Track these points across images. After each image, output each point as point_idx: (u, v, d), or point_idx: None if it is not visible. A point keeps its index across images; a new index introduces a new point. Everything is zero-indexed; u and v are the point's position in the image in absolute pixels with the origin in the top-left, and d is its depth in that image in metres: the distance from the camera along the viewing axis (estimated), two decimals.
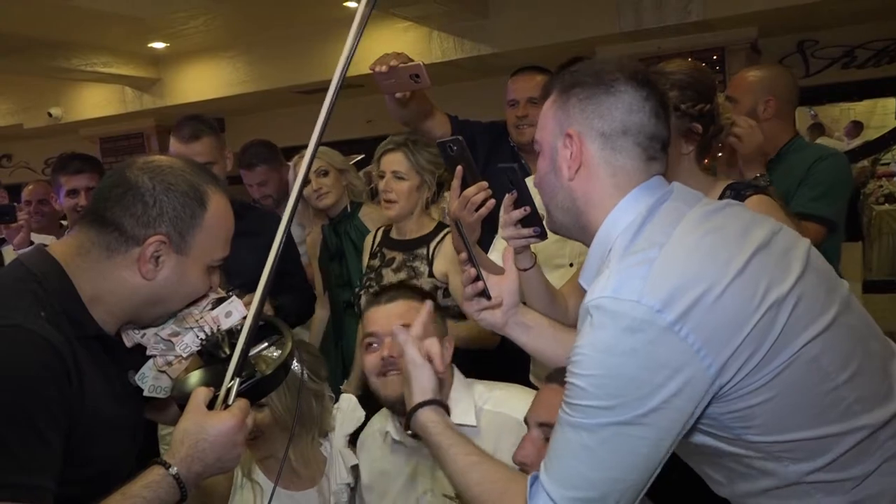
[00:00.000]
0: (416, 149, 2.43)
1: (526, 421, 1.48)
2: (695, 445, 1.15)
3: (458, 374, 1.82)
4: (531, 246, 1.66)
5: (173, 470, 1.16)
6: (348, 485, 1.93)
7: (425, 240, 2.46)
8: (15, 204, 3.09)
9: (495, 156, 2.72)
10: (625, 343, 1.03)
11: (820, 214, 2.42)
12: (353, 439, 1.99)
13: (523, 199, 1.57)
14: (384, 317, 1.76)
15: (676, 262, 1.07)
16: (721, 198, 1.75)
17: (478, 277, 1.47)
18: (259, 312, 1.25)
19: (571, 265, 2.22)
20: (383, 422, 1.86)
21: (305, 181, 1.32)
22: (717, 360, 1.04)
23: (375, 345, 1.77)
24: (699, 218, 1.15)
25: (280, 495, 1.84)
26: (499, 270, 1.52)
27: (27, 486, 1.05)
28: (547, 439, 1.30)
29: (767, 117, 2.56)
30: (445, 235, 2.43)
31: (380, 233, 2.62)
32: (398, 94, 2.29)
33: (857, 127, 8.55)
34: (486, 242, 2.10)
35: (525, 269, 1.70)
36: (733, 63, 4.98)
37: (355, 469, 1.94)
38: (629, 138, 1.21)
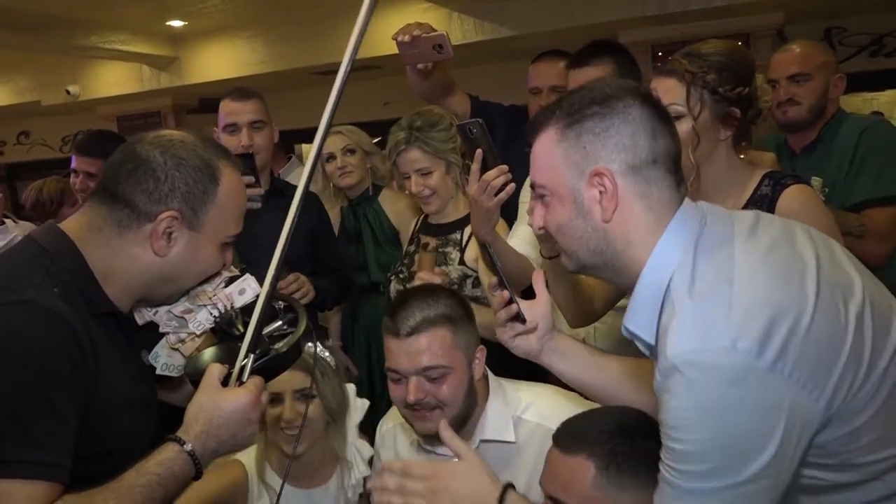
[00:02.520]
0: (426, 136, 2.29)
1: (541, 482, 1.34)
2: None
3: (492, 380, 1.70)
4: None
5: (188, 447, 1.16)
6: (366, 478, 1.90)
7: (460, 224, 2.39)
8: None
9: (514, 140, 2.68)
10: (731, 397, 0.96)
11: (890, 194, 2.29)
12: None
13: None
14: (405, 355, 1.58)
15: (756, 294, 0.99)
16: (759, 188, 1.69)
17: (511, 300, 1.39)
18: (273, 289, 1.23)
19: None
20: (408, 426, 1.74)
21: (317, 160, 1.28)
22: (825, 391, 0.98)
23: (401, 380, 1.61)
24: (746, 236, 1.08)
25: (296, 495, 1.80)
26: (519, 258, 1.48)
27: (44, 463, 1.05)
28: None
29: (836, 96, 2.50)
30: None
31: (420, 219, 2.55)
32: (420, 65, 2.25)
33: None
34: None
35: (550, 258, 1.66)
36: (758, 50, 4.87)
37: (370, 461, 1.91)
38: (659, 166, 1.12)
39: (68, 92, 6.66)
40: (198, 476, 1.19)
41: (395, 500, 1.23)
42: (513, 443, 1.61)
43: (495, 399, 1.66)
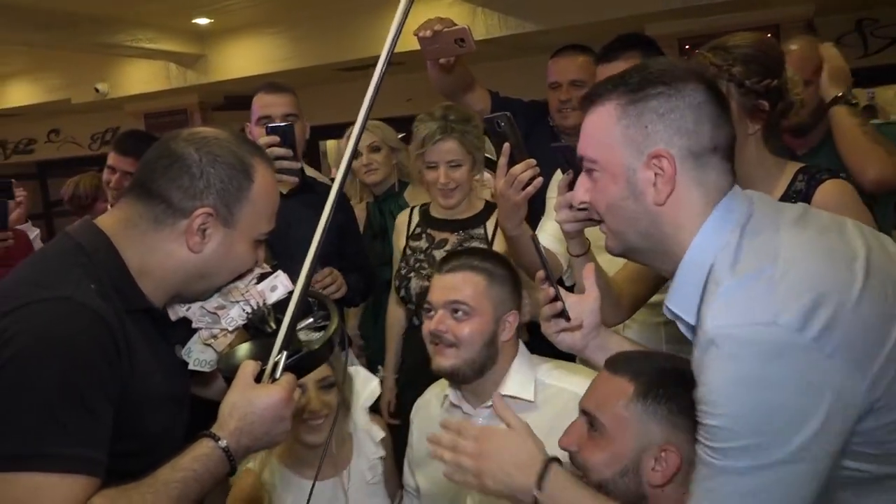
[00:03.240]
0: (463, 129, 2.34)
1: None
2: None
3: (522, 350, 1.77)
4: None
5: (223, 443, 1.16)
6: (381, 458, 1.92)
7: (479, 219, 2.38)
8: (12, 180, 3.11)
9: (534, 136, 2.66)
10: (768, 373, 0.94)
11: None
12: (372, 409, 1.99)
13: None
14: (439, 288, 1.72)
15: (800, 272, 0.98)
16: (793, 183, 1.65)
17: (556, 297, 1.39)
18: (307, 286, 1.23)
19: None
20: (443, 387, 1.83)
21: (353, 157, 1.29)
22: (867, 376, 0.95)
23: (431, 312, 1.73)
24: (794, 221, 1.07)
25: (318, 491, 1.81)
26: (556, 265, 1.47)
27: (80, 457, 1.06)
28: (590, 426, 1.24)
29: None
30: None
31: (415, 212, 2.52)
32: (442, 60, 2.24)
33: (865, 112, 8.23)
34: (532, 222, 2.04)
35: (577, 256, 1.64)
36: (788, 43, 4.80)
37: (383, 441, 1.93)
38: (719, 154, 1.10)
39: (97, 90, 6.76)
40: (231, 472, 1.20)
41: (446, 455, 1.25)
42: (531, 401, 1.66)
43: (521, 361, 1.74)
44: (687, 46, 5.05)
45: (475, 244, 2.35)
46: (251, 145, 1.31)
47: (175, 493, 1.10)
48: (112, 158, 2.88)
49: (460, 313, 1.68)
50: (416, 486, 1.87)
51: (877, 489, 1.07)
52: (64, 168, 7.96)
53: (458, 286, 1.69)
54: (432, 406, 1.88)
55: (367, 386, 1.96)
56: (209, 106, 7.20)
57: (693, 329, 1.10)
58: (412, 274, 2.42)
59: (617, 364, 1.26)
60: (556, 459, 1.21)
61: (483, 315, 1.68)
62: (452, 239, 2.39)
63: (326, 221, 1.23)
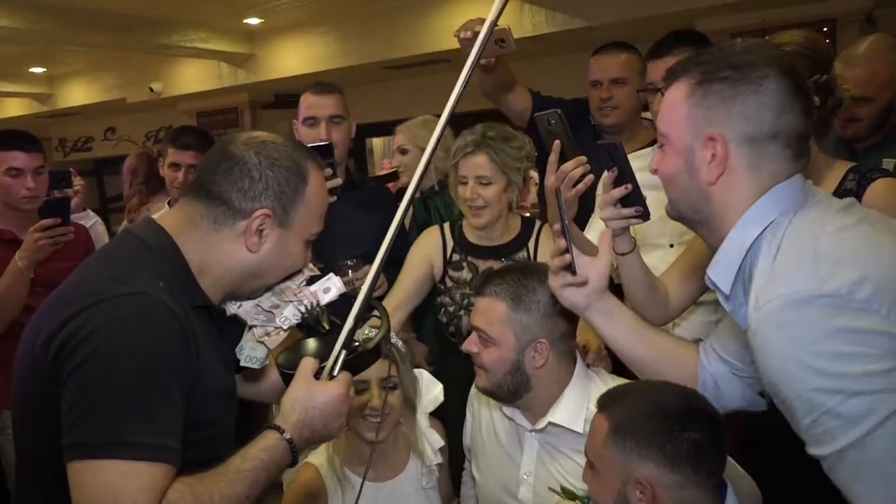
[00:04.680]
0: (498, 146, 2.17)
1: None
2: None
3: (580, 373, 1.71)
4: (631, 227, 1.58)
5: (287, 435, 1.23)
6: (438, 465, 1.91)
7: (521, 241, 2.26)
8: (70, 170, 3.15)
9: (576, 134, 2.63)
10: (820, 333, 0.98)
11: None
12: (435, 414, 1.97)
13: (624, 176, 1.50)
14: (475, 310, 1.71)
15: (843, 253, 1.02)
16: (843, 181, 1.63)
17: (567, 250, 1.42)
18: (373, 288, 1.30)
19: (672, 246, 2.10)
20: None
21: (429, 162, 1.36)
22: None
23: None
24: (842, 208, 1.12)
25: (370, 488, 1.80)
26: (592, 250, 1.47)
27: (161, 446, 1.10)
28: (590, 466, 1.32)
29: None
30: (542, 228, 2.27)
31: (449, 239, 2.33)
32: (483, 61, 2.23)
33: None
34: (582, 219, 2.03)
35: (624, 254, 1.63)
36: (845, 37, 4.64)
37: (441, 450, 1.92)
38: (779, 142, 1.13)
39: (151, 89, 6.94)
40: (293, 463, 1.26)
41: None
42: (580, 433, 1.61)
43: (575, 387, 1.68)
44: (739, 40, 4.93)
45: None
46: (305, 149, 1.35)
47: (247, 480, 1.17)
48: (174, 155, 2.86)
49: (484, 338, 1.67)
50: (471, 473, 1.88)
51: None
52: (120, 165, 8.15)
53: (481, 311, 1.68)
54: (486, 403, 1.87)
55: (430, 391, 1.95)
56: (259, 104, 7.32)
57: (727, 298, 1.18)
58: (462, 312, 2.26)
59: (602, 402, 1.34)
60: None
61: (502, 343, 1.65)
62: (496, 266, 2.24)
63: (396, 228, 1.33)
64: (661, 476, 1.20)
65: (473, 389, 1.92)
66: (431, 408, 1.95)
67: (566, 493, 1.58)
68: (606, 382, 1.69)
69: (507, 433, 1.78)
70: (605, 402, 1.34)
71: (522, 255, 2.25)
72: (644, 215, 1.51)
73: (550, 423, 1.66)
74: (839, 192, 1.62)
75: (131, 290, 1.15)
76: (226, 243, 1.26)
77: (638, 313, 1.77)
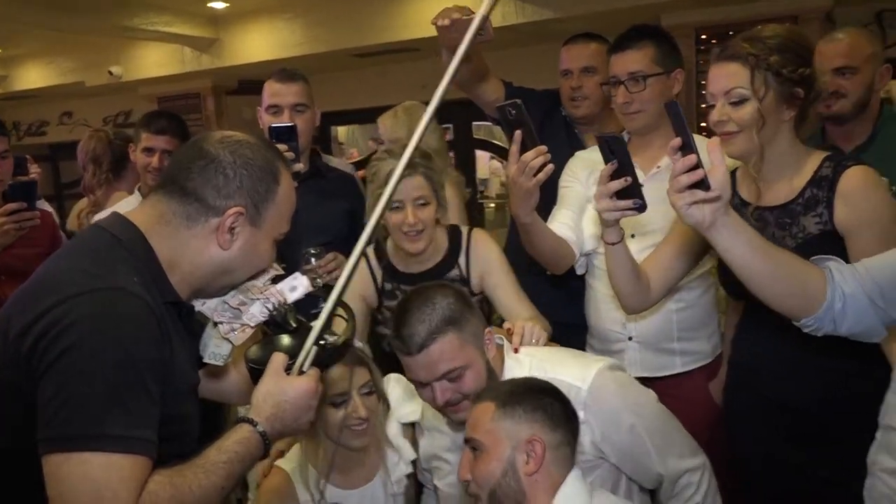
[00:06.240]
0: (426, 165, 2.11)
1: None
2: None
3: (505, 346, 1.78)
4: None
5: (260, 428, 1.26)
6: (407, 476, 1.90)
7: (451, 260, 2.20)
8: (26, 157, 3.08)
9: (548, 126, 2.65)
10: None
11: None
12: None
13: (624, 169, 1.53)
14: (422, 369, 1.62)
15: None
16: (819, 169, 1.70)
17: (698, 165, 1.32)
18: (344, 291, 1.35)
19: (633, 236, 2.14)
20: None
21: (414, 152, 1.43)
22: None
23: (426, 386, 1.65)
24: None
25: (340, 495, 1.81)
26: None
27: (141, 438, 1.11)
28: (473, 450, 1.47)
29: (880, 88, 2.44)
30: (470, 235, 2.21)
31: (377, 269, 2.24)
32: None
33: None
34: (543, 209, 2.04)
35: (613, 244, 1.68)
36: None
37: (414, 462, 1.91)
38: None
39: (111, 73, 6.77)
40: (265, 455, 1.29)
41: None
42: None
43: (510, 361, 1.75)
44: (703, 36, 5.01)
45: None
46: (276, 150, 1.38)
47: (223, 472, 1.19)
48: (148, 140, 2.79)
49: (455, 376, 1.60)
50: (433, 483, 1.89)
51: None
52: (76, 150, 7.98)
53: (437, 359, 1.59)
54: (437, 419, 1.85)
55: (405, 403, 1.92)
56: (222, 90, 7.19)
57: None
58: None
59: (481, 395, 1.54)
60: None
61: (473, 361, 1.63)
62: None
63: (373, 227, 1.39)
64: (545, 435, 1.43)
65: (424, 412, 1.89)
66: (406, 420, 1.93)
67: None
68: (532, 353, 1.78)
69: (461, 434, 1.79)
70: (481, 393, 1.55)
71: (455, 273, 2.19)
72: (641, 207, 1.55)
73: None
74: (816, 179, 1.69)
75: (109, 285, 1.15)
76: (197, 240, 1.27)
77: (620, 300, 1.81)
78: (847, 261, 1.52)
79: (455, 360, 1.60)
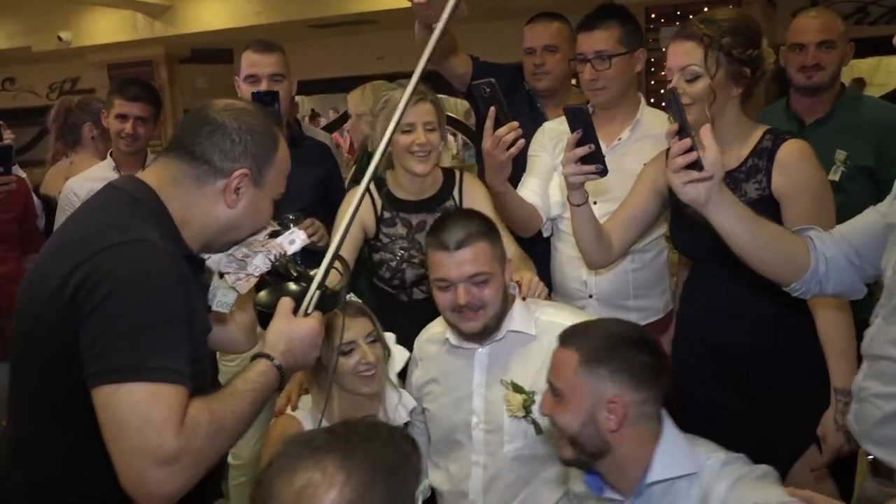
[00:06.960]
0: (434, 97, 2.31)
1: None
2: None
3: (517, 294, 1.97)
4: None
5: (276, 361, 1.40)
6: (405, 424, 2.02)
7: (446, 192, 2.39)
8: (1, 122, 3.10)
9: (511, 99, 2.78)
10: None
11: None
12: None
13: (588, 137, 1.71)
14: (455, 266, 1.81)
15: None
16: (761, 141, 1.89)
17: (692, 147, 1.45)
18: (341, 243, 1.50)
19: (595, 203, 2.24)
20: (442, 328, 1.98)
21: (396, 128, 1.54)
22: None
23: (449, 287, 1.84)
24: None
25: None
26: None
27: (179, 370, 1.24)
28: (554, 394, 1.48)
29: (846, 64, 2.63)
30: (462, 177, 2.42)
31: (377, 198, 2.39)
32: (437, 25, 2.34)
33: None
34: (514, 178, 2.19)
35: (578, 205, 1.88)
36: None
37: (412, 412, 2.03)
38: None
39: (60, 38, 6.62)
40: (281, 387, 1.44)
41: None
42: (533, 335, 1.88)
43: (519, 306, 1.94)
44: (653, 15, 5.21)
45: None
46: (274, 118, 1.52)
47: (250, 398, 1.33)
48: (122, 107, 2.88)
49: (480, 280, 1.81)
50: (422, 409, 2.04)
51: None
52: (20, 118, 7.73)
53: (471, 259, 1.81)
54: (432, 346, 2.04)
55: (397, 352, 2.06)
56: (175, 58, 7.09)
57: None
58: (405, 265, 2.36)
59: (565, 338, 1.51)
60: None
61: (497, 274, 1.84)
62: (430, 220, 2.30)
63: (364, 189, 1.52)
64: (628, 396, 1.41)
65: (421, 335, 2.08)
66: (399, 368, 2.07)
67: (514, 388, 1.82)
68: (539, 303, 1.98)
69: (452, 364, 1.98)
70: (568, 337, 1.50)
71: (451, 203, 2.39)
72: (603, 172, 1.73)
73: (509, 332, 1.90)
74: (757, 150, 1.90)
75: (137, 238, 1.28)
76: (206, 200, 1.40)
77: (584, 257, 2.00)
78: (781, 224, 1.72)
79: (485, 265, 1.81)
